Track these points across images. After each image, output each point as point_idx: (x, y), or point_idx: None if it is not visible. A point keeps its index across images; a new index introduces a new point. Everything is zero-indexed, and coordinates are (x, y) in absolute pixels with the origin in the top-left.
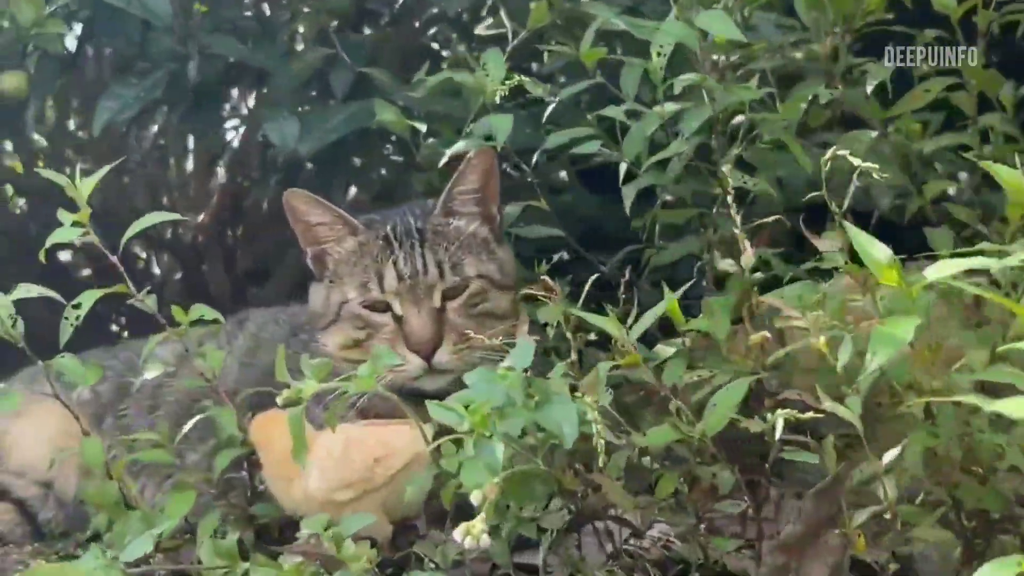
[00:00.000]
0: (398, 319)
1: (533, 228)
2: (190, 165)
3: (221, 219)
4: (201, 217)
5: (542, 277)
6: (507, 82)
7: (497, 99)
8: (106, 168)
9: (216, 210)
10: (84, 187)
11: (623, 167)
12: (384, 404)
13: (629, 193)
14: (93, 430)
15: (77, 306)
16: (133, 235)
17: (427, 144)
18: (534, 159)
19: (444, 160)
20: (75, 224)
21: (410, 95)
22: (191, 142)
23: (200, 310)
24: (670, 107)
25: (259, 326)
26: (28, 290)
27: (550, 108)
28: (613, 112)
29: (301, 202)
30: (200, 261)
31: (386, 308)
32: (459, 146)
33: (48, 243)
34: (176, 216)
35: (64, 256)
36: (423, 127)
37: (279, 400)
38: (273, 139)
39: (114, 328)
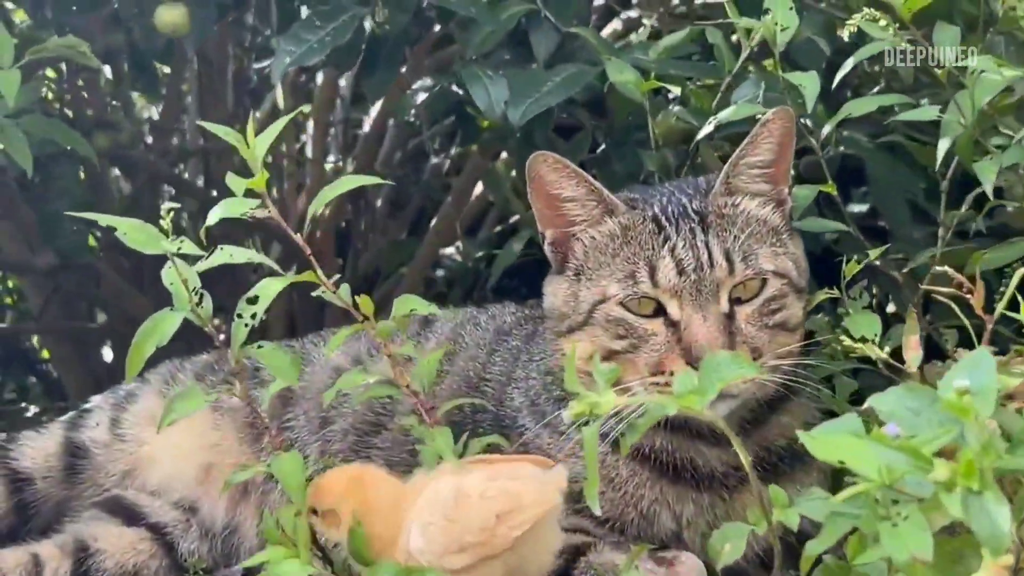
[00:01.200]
0: (673, 325)
1: (814, 220)
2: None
3: (341, 213)
4: (319, 209)
5: (945, 269)
6: (862, 15)
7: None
8: (285, 119)
9: (339, 202)
10: (259, 144)
11: (943, 144)
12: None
13: (987, 171)
14: (247, 445)
15: (253, 300)
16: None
17: (666, 113)
18: (823, 132)
19: (705, 132)
20: (248, 194)
21: (639, 57)
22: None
23: (410, 303)
24: None
25: (454, 328)
26: (231, 254)
27: (847, 67)
28: (986, 63)
29: (550, 169)
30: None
31: (656, 312)
32: (728, 113)
33: (214, 217)
34: (379, 180)
35: None
36: (676, 89)
37: (566, 415)
38: (478, 102)
39: None
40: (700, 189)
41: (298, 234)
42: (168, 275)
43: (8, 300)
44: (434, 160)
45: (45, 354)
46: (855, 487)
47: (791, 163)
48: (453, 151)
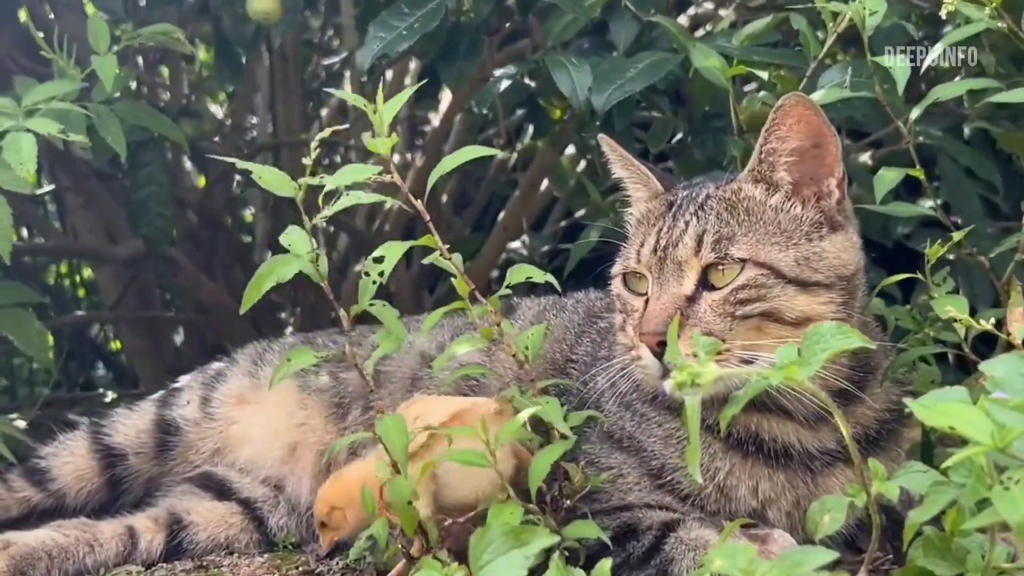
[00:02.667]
0: (647, 302)
1: (900, 204)
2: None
3: (407, 209)
4: (388, 203)
5: None
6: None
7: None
8: (411, 88)
9: (406, 199)
10: (388, 110)
11: None
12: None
13: None
14: (332, 424)
15: (379, 260)
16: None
17: (751, 99)
18: (911, 117)
19: None
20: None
21: (723, 44)
22: None
23: (525, 271)
24: None
25: (540, 311)
26: (360, 197)
27: (937, 50)
28: None
29: (607, 148)
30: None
31: (646, 290)
32: (816, 98)
33: (335, 182)
34: (495, 152)
35: None
36: (763, 74)
37: (669, 385)
38: (562, 87)
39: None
40: (731, 179)
41: (420, 201)
42: (287, 236)
43: (80, 292)
44: (500, 155)
45: (115, 345)
46: (960, 453)
47: (832, 156)
48: (519, 146)
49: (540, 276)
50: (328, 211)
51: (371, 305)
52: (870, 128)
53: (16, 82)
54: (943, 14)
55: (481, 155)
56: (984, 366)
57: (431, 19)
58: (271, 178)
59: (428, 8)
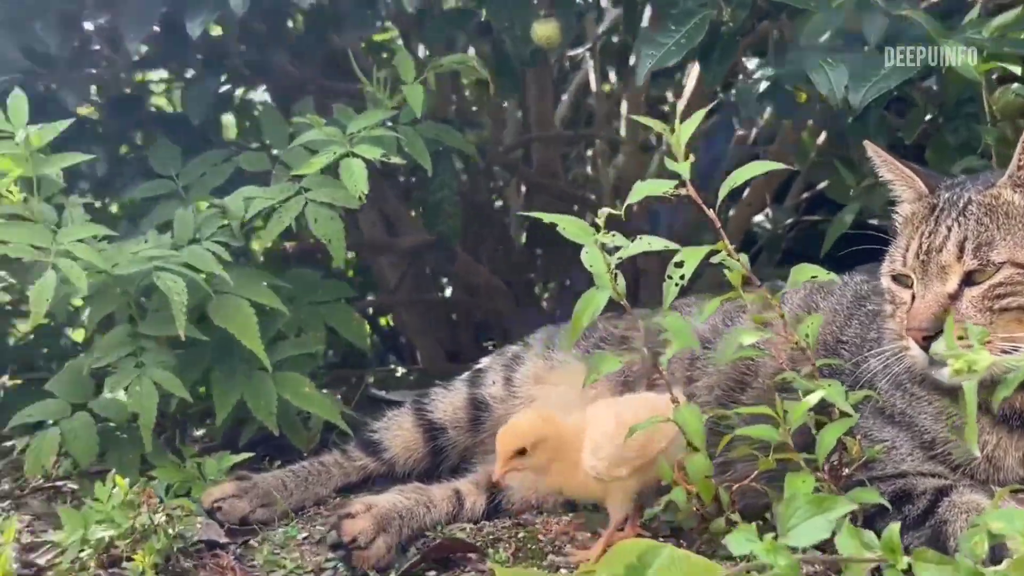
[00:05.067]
0: (913, 298)
1: None
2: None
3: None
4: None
5: None
6: None
7: None
8: (702, 111)
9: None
10: (684, 130)
11: None
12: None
13: None
14: None
15: (680, 264)
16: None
17: (1005, 91)
18: None
19: None
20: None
21: (972, 36)
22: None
23: (809, 271)
24: None
25: (807, 294)
26: (650, 243)
27: None
28: None
29: (872, 153)
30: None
31: (912, 284)
32: None
33: (636, 196)
34: (781, 166)
35: None
36: (1017, 69)
37: (946, 372)
38: (820, 87)
39: None
40: (990, 183)
41: (711, 210)
42: (589, 258)
43: (350, 272)
44: (739, 131)
45: (384, 321)
46: None
47: None
48: (760, 122)
49: (824, 275)
50: (624, 253)
51: (666, 317)
52: None
53: (335, 109)
54: None
55: (769, 168)
56: None
57: (696, 33)
58: (573, 229)
59: (692, 23)
